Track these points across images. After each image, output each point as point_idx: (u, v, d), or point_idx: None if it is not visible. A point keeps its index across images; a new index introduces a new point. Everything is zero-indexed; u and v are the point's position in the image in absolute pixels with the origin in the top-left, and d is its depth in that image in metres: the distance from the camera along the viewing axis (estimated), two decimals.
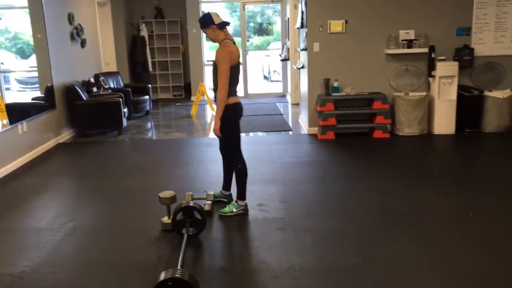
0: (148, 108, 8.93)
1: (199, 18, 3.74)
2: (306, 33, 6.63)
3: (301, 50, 6.95)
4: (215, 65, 3.65)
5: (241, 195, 3.94)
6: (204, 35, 10.49)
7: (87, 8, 8.14)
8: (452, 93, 6.41)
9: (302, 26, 7.00)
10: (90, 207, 4.27)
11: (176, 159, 5.88)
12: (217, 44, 3.72)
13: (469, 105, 6.42)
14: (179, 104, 10.22)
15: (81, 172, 5.43)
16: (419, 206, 4.00)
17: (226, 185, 4.20)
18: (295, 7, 9.01)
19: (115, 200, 4.43)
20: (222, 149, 4.11)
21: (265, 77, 15.79)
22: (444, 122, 6.46)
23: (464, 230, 3.52)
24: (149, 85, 9.22)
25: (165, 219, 3.64)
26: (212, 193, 4.19)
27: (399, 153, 5.86)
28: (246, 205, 3.96)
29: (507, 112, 6.39)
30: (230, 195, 4.19)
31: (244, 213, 3.93)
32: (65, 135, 7.02)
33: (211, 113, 9.04)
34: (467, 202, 4.05)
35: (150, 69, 10.60)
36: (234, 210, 3.91)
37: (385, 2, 6.49)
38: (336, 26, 6.53)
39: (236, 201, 3.95)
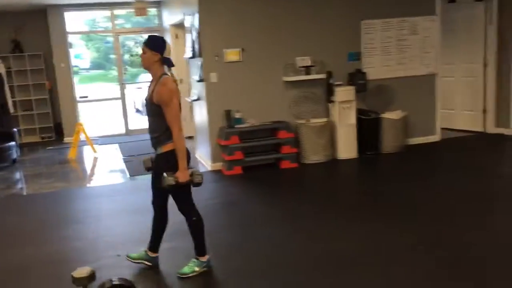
0: (15, 155, 7.63)
1: (152, 35, 3.24)
2: (201, 63, 6.18)
3: (197, 81, 6.47)
4: (155, 105, 3.11)
5: (201, 250, 3.37)
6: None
7: None
8: (351, 117, 6.44)
9: (194, 56, 6.54)
10: None
11: (65, 216, 4.95)
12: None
13: (367, 128, 6.50)
14: (51, 147, 8.96)
15: None
16: (363, 245, 3.71)
17: (155, 246, 3.50)
18: (177, 36, 8.54)
19: (1, 284, 3.45)
20: (156, 202, 3.44)
21: (138, 111, 14.92)
22: (347, 147, 6.45)
23: (429, 268, 3.32)
24: (15, 129, 7.91)
25: None
26: None
27: (312, 184, 5.64)
28: (209, 261, 3.38)
29: (401, 132, 6.61)
30: (157, 258, 3.50)
31: (208, 271, 3.35)
32: None
33: (93, 155, 8.02)
34: (402, 234, 3.90)
35: (12, 110, 9.17)
36: (196, 268, 3.31)
37: (279, 30, 6.33)
38: (233, 54, 6.19)
39: (197, 258, 3.35)
